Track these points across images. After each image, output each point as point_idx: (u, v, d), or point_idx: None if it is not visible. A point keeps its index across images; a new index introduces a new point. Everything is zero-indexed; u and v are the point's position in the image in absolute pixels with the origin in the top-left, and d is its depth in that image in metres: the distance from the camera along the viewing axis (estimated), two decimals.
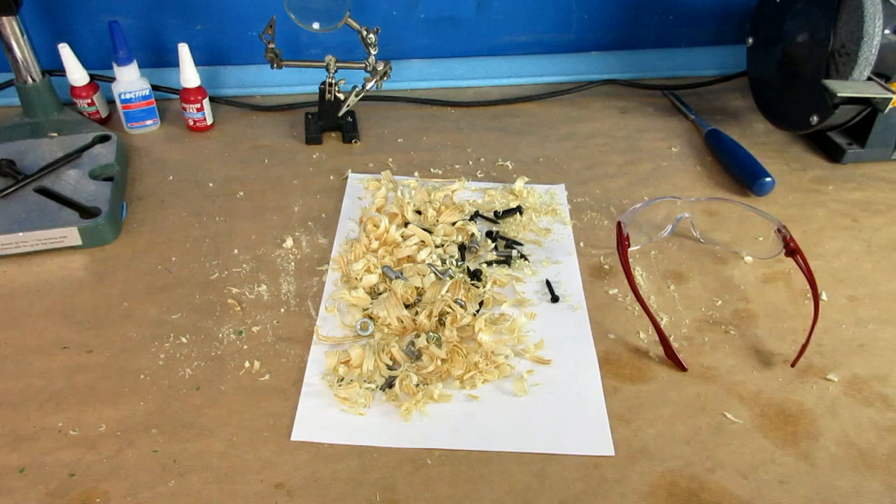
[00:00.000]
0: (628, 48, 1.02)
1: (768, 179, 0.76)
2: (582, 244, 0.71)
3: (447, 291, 0.63)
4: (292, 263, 0.68)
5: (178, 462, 0.51)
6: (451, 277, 0.65)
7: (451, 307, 0.61)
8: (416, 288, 0.64)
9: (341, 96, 0.83)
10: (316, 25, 0.78)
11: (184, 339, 0.60)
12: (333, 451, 0.52)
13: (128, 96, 0.82)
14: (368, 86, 0.82)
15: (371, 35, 0.79)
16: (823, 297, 0.66)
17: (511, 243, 0.70)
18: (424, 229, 0.70)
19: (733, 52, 0.99)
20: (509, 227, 0.73)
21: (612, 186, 0.80)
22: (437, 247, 0.68)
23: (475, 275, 0.66)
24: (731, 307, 0.65)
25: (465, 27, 0.97)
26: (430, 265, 0.66)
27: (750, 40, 0.90)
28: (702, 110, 0.93)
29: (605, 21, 0.99)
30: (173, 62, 0.83)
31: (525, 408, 0.55)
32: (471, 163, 0.83)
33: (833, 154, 0.84)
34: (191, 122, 0.86)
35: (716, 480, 0.51)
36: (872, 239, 0.73)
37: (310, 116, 0.88)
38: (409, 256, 0.67)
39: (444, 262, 0.67)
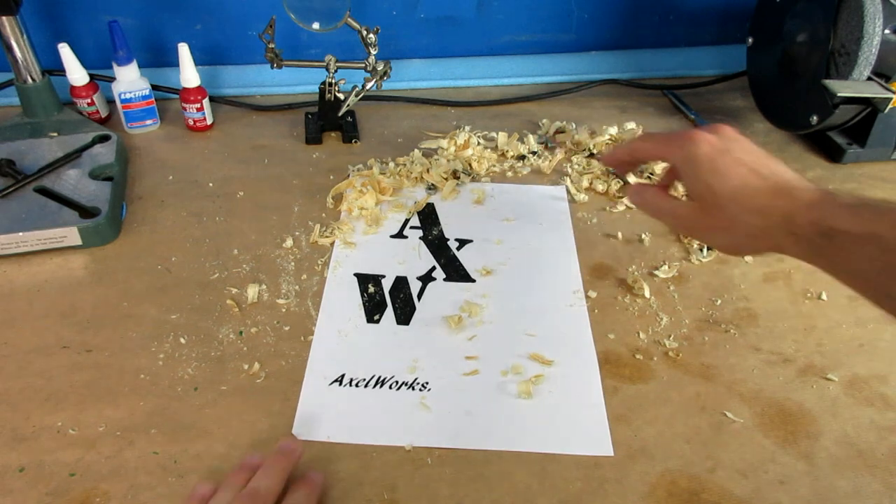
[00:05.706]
0: (628, 48, 1.02)
1: None
2: (582, 244, 0.71)
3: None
4: (292, 263, 0.68)
5: (178, 462, 0.51)
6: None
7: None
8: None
9: (341, 96, 0.83)
10: (316, 25, 0.78)
11: (183, 340, 0.60)
12: (333, 451, 0.52)
13: (128, 96, 0.82)
14: (368, 86, 0.82)
15: (371, 35, 0.79)
16: (823, 297, 0.66)
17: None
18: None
19: (733, 52, 0.99)
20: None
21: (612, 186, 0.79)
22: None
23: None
24: (731, 307, 0.65)
25: (465, 27, 0.97)
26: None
27: (750, 40, 0.90)
28: (702, 110, 0.93)
29: (605, 21, 0.99)
30: (173, 62, 0.83)
31: (525, 408, 0.55)
32: None
33: (833, 154, 0.84)
34: (191, 122, 0.86)
35: (716, 480, 0.51)
36: None
37: (310, 116, 0.88)
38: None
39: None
